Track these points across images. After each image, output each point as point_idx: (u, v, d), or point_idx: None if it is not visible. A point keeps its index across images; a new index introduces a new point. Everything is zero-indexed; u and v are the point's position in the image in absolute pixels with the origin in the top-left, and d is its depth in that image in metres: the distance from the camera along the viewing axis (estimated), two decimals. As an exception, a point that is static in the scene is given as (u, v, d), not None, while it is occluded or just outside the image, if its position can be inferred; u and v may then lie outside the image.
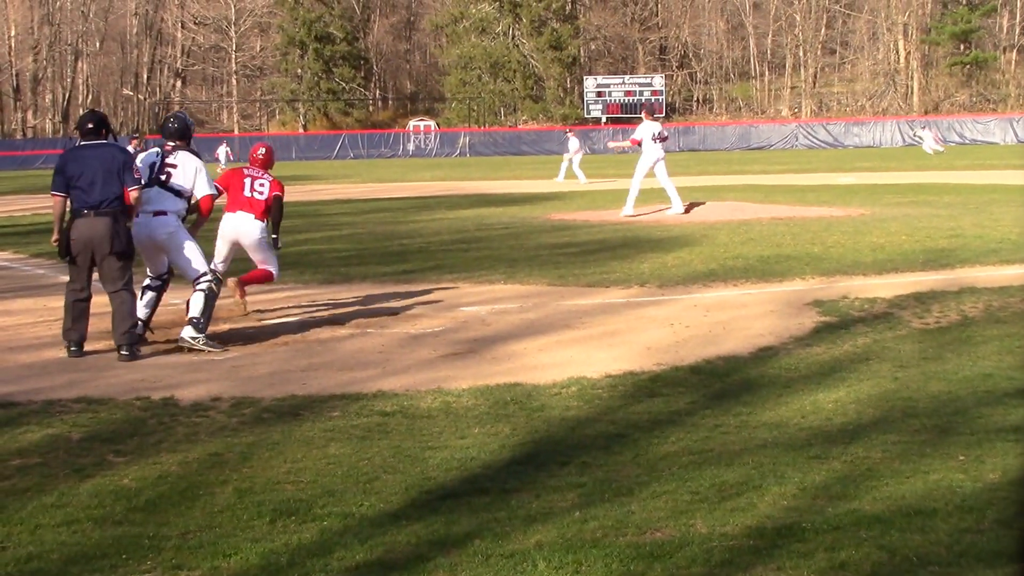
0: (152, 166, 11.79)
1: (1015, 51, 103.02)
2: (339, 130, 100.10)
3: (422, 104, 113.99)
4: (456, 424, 8.31)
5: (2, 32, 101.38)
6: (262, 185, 12.88)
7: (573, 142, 46.81)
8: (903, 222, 22.72)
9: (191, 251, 11.78)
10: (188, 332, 11.54)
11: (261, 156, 13.21)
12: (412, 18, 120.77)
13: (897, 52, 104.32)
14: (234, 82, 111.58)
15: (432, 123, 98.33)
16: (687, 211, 26.36)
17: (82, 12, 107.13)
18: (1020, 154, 62.35)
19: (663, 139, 26.08)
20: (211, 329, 12.06)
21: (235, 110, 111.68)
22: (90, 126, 11.40)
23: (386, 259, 19.01)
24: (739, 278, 15.50)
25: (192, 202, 11.95)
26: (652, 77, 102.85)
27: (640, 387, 9.38)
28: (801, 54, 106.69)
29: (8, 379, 10.15)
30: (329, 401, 9.07)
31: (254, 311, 13.35)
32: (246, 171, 13.04)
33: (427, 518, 6.15)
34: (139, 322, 11.66)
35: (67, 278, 11.51)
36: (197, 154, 12.13)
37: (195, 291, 11.71)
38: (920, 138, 73.07)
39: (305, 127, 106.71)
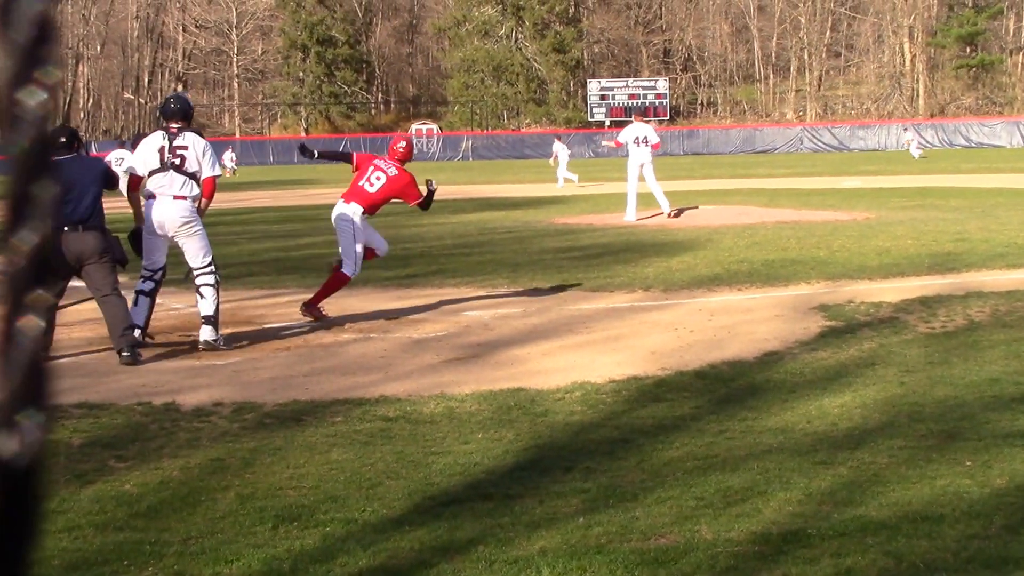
0: (161, 150, 11.75)
1: (1021, 54, 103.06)
2: (341, 134, 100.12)
3: (424, 107, 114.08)
4: (459, 429, 8.28)
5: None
6: (378, 179, 13.13)
7: (559, 147, 46.76)
8: (909, 226, 22.68)
9: (202, 239, 11.81)
10: (207, 334, 11.59)
11: (401, 150, 13.64)
12: (414, 21, 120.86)
13: (902, 55, 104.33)
14: (236, 86, 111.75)
15: (435, 127, 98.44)
16: (675, 215, 26.30)
17: (83, 16, 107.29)
18: (1024, 157, 62.31)
19: (649, 144, 26.00)
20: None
21: (237, 114, 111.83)
22: (63, 140, 11.35)
23: (388, 263, 18.94)
24: (744, 282, 15.47)
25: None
26: (656, 80, 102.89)
27: (644, 392, 9.35)
28: (806, 57, 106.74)
29: None
30: (331, 406, 9.04)
31: (256, 317, 13.32)
32: (375, 162, 13.35)
33: (430, 524, 6.13)
34: (137, 328, 11.57)
35: (70, 284, 11.46)
36: (200, 133, 12.15)
37: (201, 287, 11.71)
38: (908, 142, 73.22)
39: (307, 131, 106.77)
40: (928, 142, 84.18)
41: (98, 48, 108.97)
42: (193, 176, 11.77)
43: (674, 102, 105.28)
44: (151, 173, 11.70)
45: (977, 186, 36.65)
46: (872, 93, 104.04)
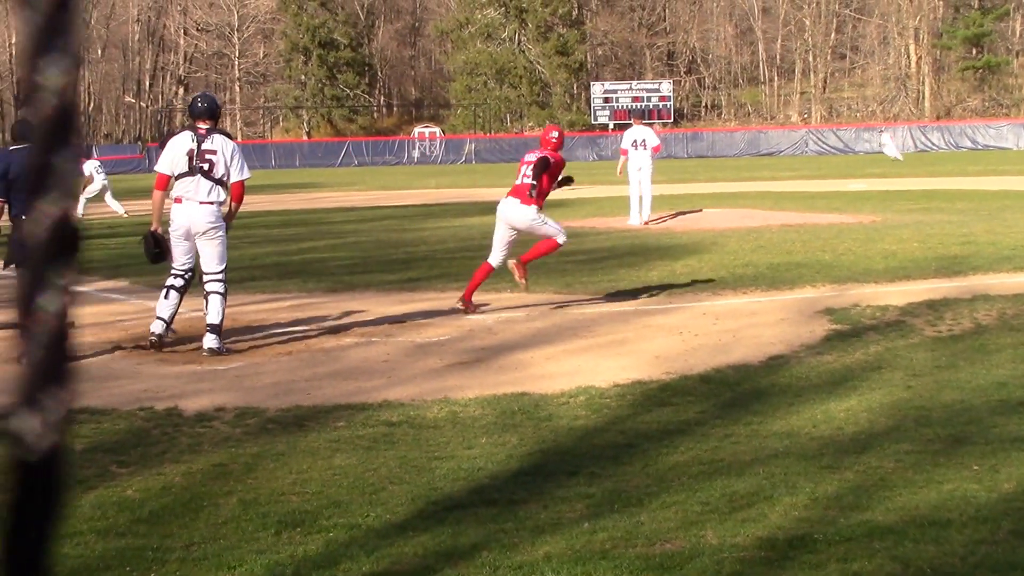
0: (190, 154, 11.70)
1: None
2: (343, 137, 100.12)
3: (427, 110, 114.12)
4: (463, 434, 8.25)
5: (3, 39, 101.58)
6: (531, 169, 13.44)
7: None
8: (915, 229, 22.65)
9: (221, 246, 11.78)
10: (211, 342, 11.57)
11: (554, 139, 13.88)
12: (417, 24, 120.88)
13: (908, 57, 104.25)
14: (237, 89, 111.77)
15: (437, 130, 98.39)
16: (645, 223, 26.18)
17: (84, 19, 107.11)
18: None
19: (648, 147, 25.93)
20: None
21: (238, 117, 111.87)
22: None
23: (391, 267, 18.97)
24: (749, 286, 15.44)
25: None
26: (660, 83, 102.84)
27: (649, 396, 9.33)
28: (811, 59, 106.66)
29: (9, 389, 10.06)
30: (334, 411, 9.02)
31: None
32: (528, 155, 13.69)
33: (434, 529, 6.11)
34: (163, 321, 11.70)
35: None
36: (229, 135, 12.15)
37: (209, 294, 11.67)
38: (883, 144, 73.14)
39: (309, 134, 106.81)
40: (935, 144, 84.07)
41: (99, 52, 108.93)
42: (220, 181, 11.74)
43: (678, 105, 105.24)
44: (179, 176, 11.67)
45: (983, 188, 36.59)
46: (877, 95, 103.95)
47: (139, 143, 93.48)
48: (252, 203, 39.18)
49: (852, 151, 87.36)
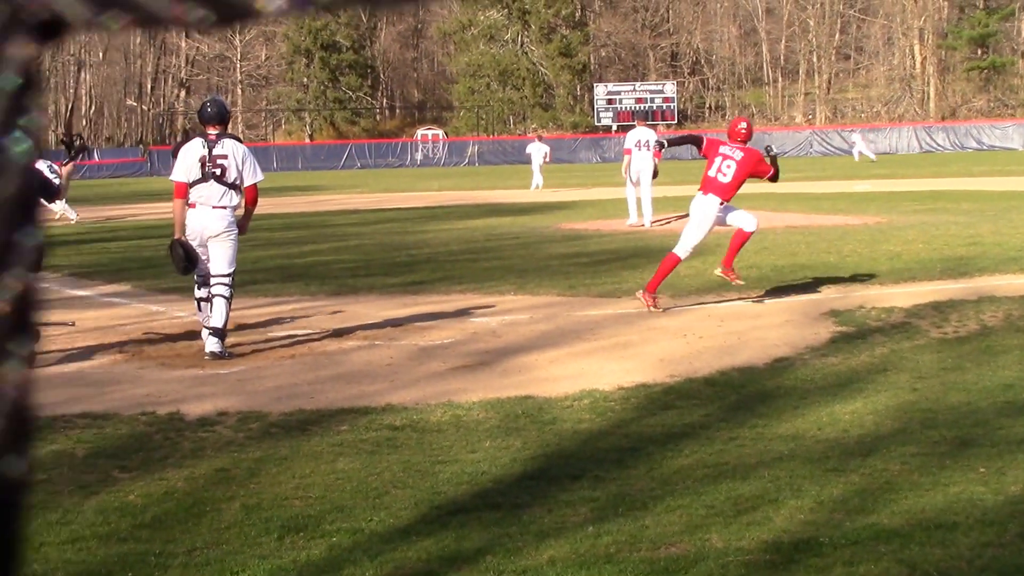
0: (202, 160, 11.72)
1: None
2: (346, 139, 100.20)
3: (430, 113, 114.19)
4: (467, 438, 8.23)
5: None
6: (728, 167, 13.54)
7: (535, 147, 46.81)
8: (920, 230, 22.62)
9: (232, 250, 11.81)
10: (213, 346, 11.54)
11: (743, 131, 14.04)
12: (419, 26, 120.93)
13: (913, 57, 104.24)
14: (239, 92, 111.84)
15: (440, 132, 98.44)
16: (633, 227, 26.14)
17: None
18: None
19: (650, 148, 25.89)
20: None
21: (240, 120, 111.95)
22: None
23: (394, 270, 18.95)
24: (754, 288, 15.41)
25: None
26: (663, 84, 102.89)
27: (653, 399, 9.30)
28: (815, 60, 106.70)
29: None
30: (337, 415, 8.99)
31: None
32: (721, 150, 13.72)
33: (437, 534, 6.10)
34: (219, 330, 11.63)
35: (74, 292, 11.47)
36: (239, 139, 12.20)
37: (215, 297, 11.65)
38: (853, 143, 73.14)
39: (311, 137, 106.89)
40: (940, 145, 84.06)
41: (100, 55, 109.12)
42: (234, 185, 11.77)
43: (682, 106, 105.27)
44: (193, 183, 11.70)
45: (989, 189, 36.57)
46: (882, 96, 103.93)
47: (141, 147, 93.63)
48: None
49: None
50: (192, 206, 11.73)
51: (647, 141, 26.05)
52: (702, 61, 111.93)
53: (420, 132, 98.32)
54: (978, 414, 8.42)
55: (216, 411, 9.22)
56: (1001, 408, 8.58)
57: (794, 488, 6.69)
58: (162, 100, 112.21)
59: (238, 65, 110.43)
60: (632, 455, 7.62)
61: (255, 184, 11.93)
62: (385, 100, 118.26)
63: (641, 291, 13.92)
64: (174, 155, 12.74)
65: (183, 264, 11.85)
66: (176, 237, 11.85)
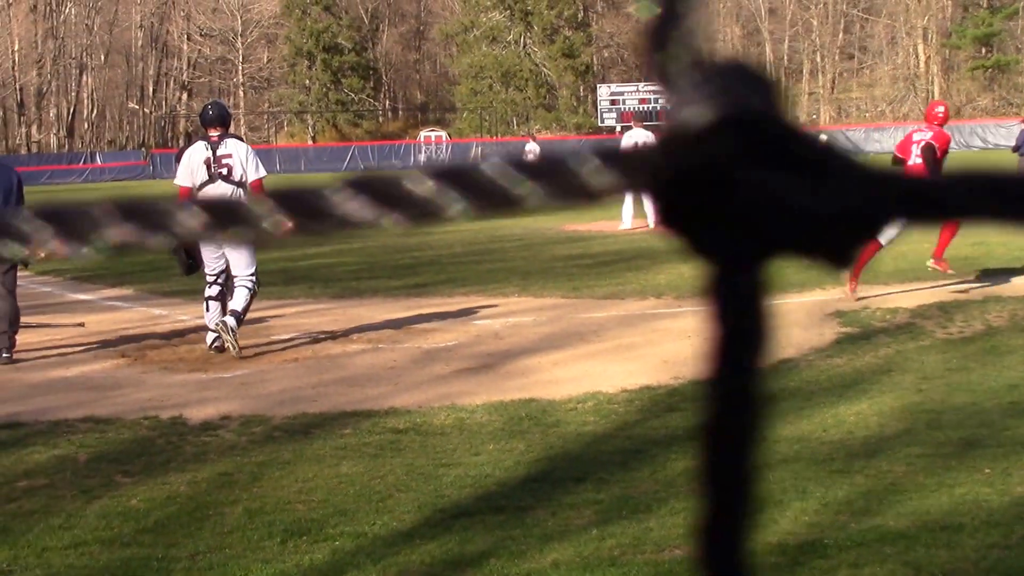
0: (207, 162, 11.92)
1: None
2: (349, 142, 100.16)
3: (433, 114, 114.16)
4: (470, 441, 8.21)
5: (6, 46, 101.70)
6: (921, 151, 13.69)
7: (530, 147, 46.91)
8: (925, 230, 22.54)
9: (250, 253, 12.00)
10: (231, 322, 11.73)
11: (940, 115, 14.04)
12: (422, 27, 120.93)
13: (917, 57, 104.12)
14: (241, 94, 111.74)
15: (443, 134, 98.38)
16: (626, 232, 26.11)
17: (86, 25, 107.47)
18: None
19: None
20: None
21: (242, 122, 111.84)
22: None
23: (397, 273, 18.94)
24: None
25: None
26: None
27: (657, 401, 9.28)
28: (818, 59, 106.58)
29: (14, 398, 10.07)
30: (340, 419, 8.98)
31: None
32: (914, 137, 13.78)
33: (441, 537, 6.09)
34: (237, 313, 11.78)
35: (76, 296, 11.49)
36: (241, 138, 12.37)
37: (238, 286, 11.91)
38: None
39: (314, 139, 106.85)
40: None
41: (102, 58, 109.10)
42: (241, 184, 11.97)
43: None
44: (200, 186, 11.90)
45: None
46: (887, 95, 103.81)
47: (143, 149, 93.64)
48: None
49: (862, 151, 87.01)
50: None
51: (644, 142, 25.95)
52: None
53: (423, 134, 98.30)
54: (983, 415, 8.40)
55: (219, 415, 9.21)
56: (1007, 409, 8.56)
57: (799, 490, 6.67)
58: (164, 103, 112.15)
59: (240, 67, 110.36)
60: (636, 457, 7.61)
61: (260, 179, 12.08)
62: (388, 102, 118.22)
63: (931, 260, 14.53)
64: (178, 160, 12.87)
65: (187, 264, 12.06)
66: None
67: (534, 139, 50.89)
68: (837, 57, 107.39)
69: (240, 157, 12.00)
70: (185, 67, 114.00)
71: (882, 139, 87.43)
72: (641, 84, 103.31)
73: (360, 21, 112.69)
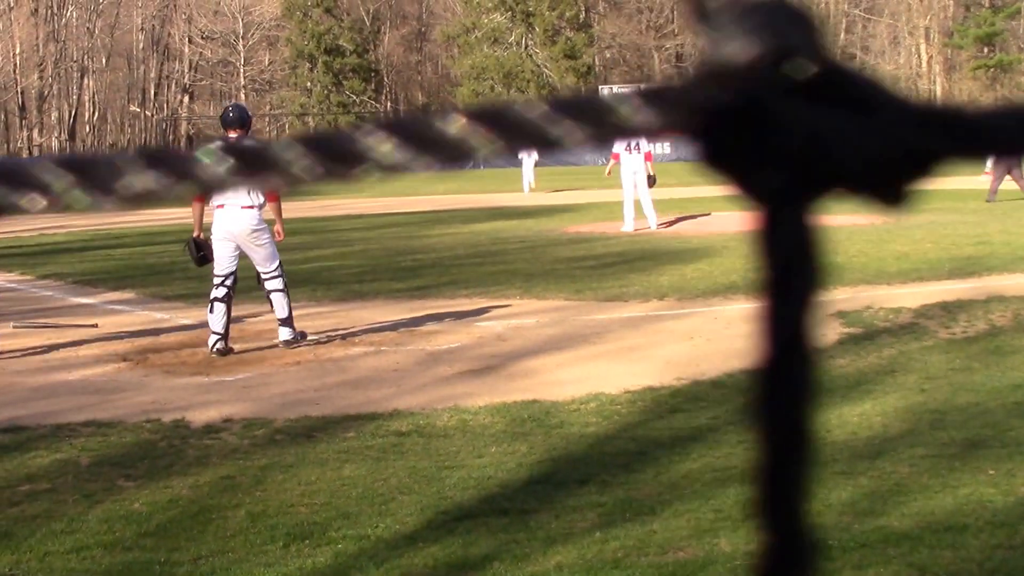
0: None
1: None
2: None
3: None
4: (473, 443, 8.20)
5: (7, 50, 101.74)
6: None
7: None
8: (928, 229, 22.56)
9: (269, 247, 12.32)
10: (285, 335, 12.18)
11: None
12: (423, 29, 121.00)
13: (919, 56, 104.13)
14: (243, 96, 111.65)
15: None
16: (668, 225, 26.09)
17: (88, 28, 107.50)
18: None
19: (641, 151, 25.81)
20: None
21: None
22: None
23: (400, 275, 18.92)
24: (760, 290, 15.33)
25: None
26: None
27: (660, 403, 9.26)
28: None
29: (16, 402, 10.07)
30: (343, 421, 8.96)
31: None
32: None
33: (444, 540, 6.07)
34: (216, 335, 11.91)
35: (78, 300, 11.48)
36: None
37: (271, 293, 12.25)
38: None
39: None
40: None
41: (103, 61, 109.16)
42: None
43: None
44: None
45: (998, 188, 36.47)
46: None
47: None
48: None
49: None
50: (220, 207, 12.14)
51: (637, 144, 25.94)
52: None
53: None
54: (987, 415, 8.39)
55: (221, 418, 9.19)
56: (1011, 409, 8.54)
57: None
58: (165, 106, 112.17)
59: (241, 70, 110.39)
60: (639, 459, 7.59)
61: None
62: (389, 104, 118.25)
63: None
64: None
65: (198, 256, 12.37)
66: (194, 235, 12.43)
67: None
68: (839, 57, 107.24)
69: None
70: (186, 70, 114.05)
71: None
72: (643, 85, 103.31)
73: (361, 23, 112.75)
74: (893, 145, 0.62)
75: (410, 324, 13.66)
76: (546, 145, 0.61)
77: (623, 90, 0.62)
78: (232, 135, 12.15)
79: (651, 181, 25.57)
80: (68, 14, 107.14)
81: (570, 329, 13.01)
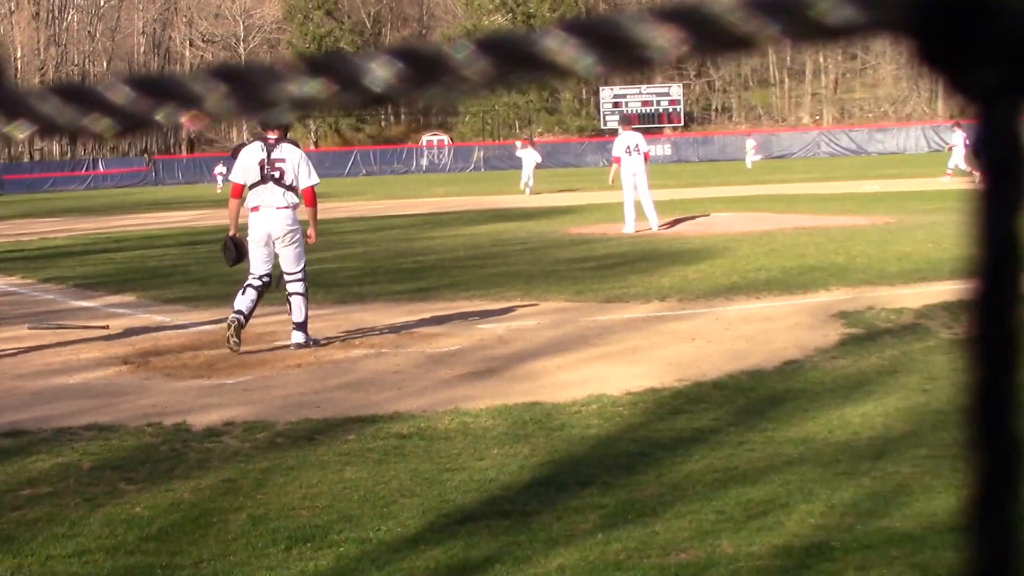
0: (261, 164, 12.36)
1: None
2: (351, 146, 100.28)
3: (435, 118, 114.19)
4: (474, 445, 8.19)
5: (8, 54, 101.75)
6: None
7: (527, 155, 47.02)
8: (930, 230, 22.53)
9: (299, 247, 12.63)
10: (298, 338, 12.40)
11: None
12: (424, 31, 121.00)
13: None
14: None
15: (445, 137, 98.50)
16: (669, 226, 26.10)
17: (89, 32, 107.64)
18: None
19: (640, 152, 25.79)
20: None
21: (244, 128, 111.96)
22: None
23: (400, 277, 18.92)
24: (762, 290, 15.36)
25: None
26: (669, 86, 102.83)
27: (662, 404, 9.25)
28: (821, 60, 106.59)
29: (17, 406, 10.06)
30: (344, 424, 8.96)
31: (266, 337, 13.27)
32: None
33: (446, 542, 6.07)
34: (240, 315, 12.09)
35: (79, 303, 11.48)
36: (296, 143, 12.67)
37: (291, 295, 12.48)
38: (747, 149, 73.14)
39: (316, 143, 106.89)
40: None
41: (104, 64, 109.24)
42: (292, 187, 12.48)
43: (688, 108, 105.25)
44: (252, 186, 12.39)
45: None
46: (890, 95, 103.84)
47: (145, 156, 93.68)
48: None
49: (865, 152, 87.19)
50: (255, 209, 12.40)
51: (636, 145, 25.94)
52: (708, 63, 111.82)
53: (425, 138, 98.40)
54: (990, 415, 8.36)
55: (222, 421, 9.19)
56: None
57: (805, 492, 6.64)
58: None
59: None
60: (641, 460, 7.58)
61: (312, 187, 12.70)
62: (390, 106, 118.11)
63: None
64: (234, 156, 13.26)
65: (233, 256, 12.69)
66: (230, 234, 12.83)
67: (532, 144, 50.24)
68: (840, 57, 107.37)
69: (293, 163, 12.49)
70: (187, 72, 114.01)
71: (884, 140, 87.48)
72: (644, 86, 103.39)
73: (362, 25, 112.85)
74: None
75: (411, 326, 13.66)
76: (733, 45, 0.58)
77: None
78: (271, 136, 12.46)
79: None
80: (69, 18, 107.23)
81: (571, 331, 13.00)
